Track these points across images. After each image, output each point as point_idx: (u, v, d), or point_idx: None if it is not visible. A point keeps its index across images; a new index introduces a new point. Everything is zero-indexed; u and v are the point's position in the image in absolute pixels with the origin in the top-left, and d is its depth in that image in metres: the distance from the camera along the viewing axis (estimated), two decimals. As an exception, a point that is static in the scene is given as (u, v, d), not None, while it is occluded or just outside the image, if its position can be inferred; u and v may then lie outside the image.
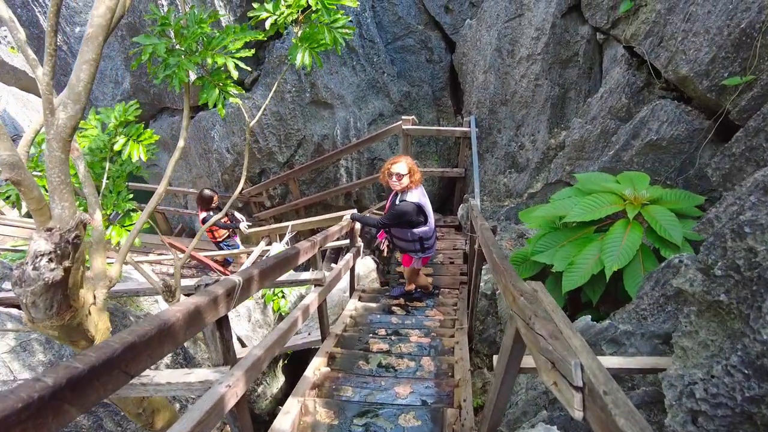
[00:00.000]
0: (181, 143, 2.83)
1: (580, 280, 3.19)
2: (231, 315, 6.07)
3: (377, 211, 7.99)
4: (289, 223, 7.24)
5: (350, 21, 7.43)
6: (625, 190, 3.38)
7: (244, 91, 3.64)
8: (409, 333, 4.54)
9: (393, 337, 4.36)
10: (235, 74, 2.79)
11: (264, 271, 2.16)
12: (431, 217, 4.78)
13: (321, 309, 3.97)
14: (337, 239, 7.17)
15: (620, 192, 3.37)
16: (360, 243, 6.97)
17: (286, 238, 7.22)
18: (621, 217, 3.31)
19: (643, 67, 5.34)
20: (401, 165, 4.39)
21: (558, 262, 3.40)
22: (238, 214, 7.31)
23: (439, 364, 3.76)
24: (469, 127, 6.79)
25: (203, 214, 6.96)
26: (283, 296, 5.94)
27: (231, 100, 2.93)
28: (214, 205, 6.92)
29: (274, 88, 3.93)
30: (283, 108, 7.82)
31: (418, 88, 8.35)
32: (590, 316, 2.85)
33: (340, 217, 6.29)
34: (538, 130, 6.66)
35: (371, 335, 4.42)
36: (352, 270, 5.89)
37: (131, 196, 3.05)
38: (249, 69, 3.26)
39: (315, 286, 3.73)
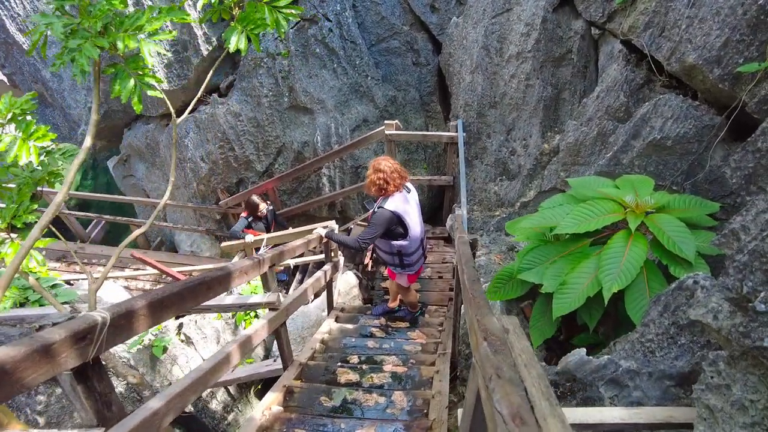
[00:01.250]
0: (87, 142, 2.33)
1: (574, 303, 2.68)
2: (197, 338, 5.56)
3: (362, 223, 7.50)
4: (264, 236, 6.75)
5: (329, 20, 7.03)
6: (625, 196, 2.88)
7: (162, 80, 3.10)
8: (385, 360, 4.02)
9: (365, 366, 3.84)
10: (150, 60, 2.30)
11: (157, 302, 1.66)
12: (415, 229, 4.14)
13: (280, 336, 3.46)
14: (303, 255, 6.73)
15: (620, 198, 2.87)
16: (339, 257, 6.48)
17: (261, 252, 6.72)
18: (621, 228, 2.81)
19: (642, 63, 4.88)
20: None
21: (548, 281, 2.90)
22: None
23: (413, 399, 3.24)
24: (456, 131, 6.32)
25: (243, 215, 7.02)
26: (256, 315, 5.44)
27: (150, 92, 2.44)
28: (260, 214, 6.88)
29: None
30: (260, 114, 7.36)
31: (404, 92, 7.90)
32: (584, 350, 2.34)
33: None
34: (530, 134, 6.19)
35: (340, 364, 3.90)
36: (329, 287, 5.39)
37: (35, 206, 2.55)
38: (166, 52, 2.77)
39: (269, 310, 3.23)
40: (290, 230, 6.71)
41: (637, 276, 2.59)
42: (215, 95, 7.48)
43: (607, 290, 2.56)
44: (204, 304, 2.28)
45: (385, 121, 6.25)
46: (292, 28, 6.88)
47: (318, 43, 6.95)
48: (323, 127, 7.27)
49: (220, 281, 2.20)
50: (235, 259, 7.10)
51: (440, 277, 6.71)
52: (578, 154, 5.39)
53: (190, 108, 3.19)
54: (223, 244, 7.26)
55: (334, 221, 5.95)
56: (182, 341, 5.22)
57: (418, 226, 4.23)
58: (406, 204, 4.05)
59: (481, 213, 6.58)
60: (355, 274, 6.49)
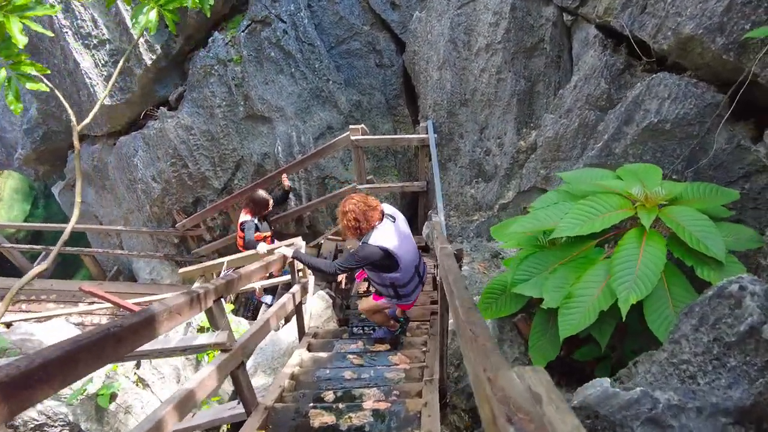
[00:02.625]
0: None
1: (584, 319, 2.24)
2: (153, 379, 4.92)
3: (333, 237, 6.98)
4: (224, 259, 6.17)
5: (283, 21, 6.54)
6: (631, 188, 2.46)
7: (48, 71, 2.52)
8: (365, 394, 3.50)
9: (342, 405, 3.31)
10: (20, 40, 1.76)
11: (19, 377, 1.12)
12: (406, 259, 3.74)
13: (237, 380, 2.91)
14: (272, 276, 6.14)
15: (626, 191, 2.45)
16: (308, 277, 5.95)
17: (223, 275, 6.14)
18: (632, 226, 2.39)
19: (620, 47, 4.56)
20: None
21: (549, 294, 2.45)
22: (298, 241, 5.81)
23: (400, 444, 2.74)
24: (427, 133, 5.89)
25: (245, 217, 5.89)
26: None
27: (29, 86, 1.89)
28: (266, 212, 5.97)
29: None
30: (214, 126, 6.79)
31: (369, 96, 7.45)
32: (608, 381, 1.89)
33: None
34: (504, 132, 5.81)
35: (313, 404, 3.36)
36: (299, 311, 4.85)
37: None
38: (49, 32, 2.24)
39: (221, 352, 2.68)
40: (253, 251, 6.14)
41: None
42: (164, 109, 6.88)
43: (623, 302, 2.13)
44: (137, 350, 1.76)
45: (350, 126, 5.78)
46: (243, 31, 6.37)
47: (272, 46, 6.45)
48: (284, 137, 6.75)
49: (138, 330, 1.66)
50: (196, 285, 6.49)
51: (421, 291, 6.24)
52: (558, 149, 5.02)
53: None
54: (181, 270, 6.65)
55: (300, 238, 5.42)
56: (136, 384, 4.61)
57: (411, 254, 3.83)
58: (394, 235, 3.64)
59: (458, 218, 6.16)
60: (327, 293, 5.96)
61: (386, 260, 3.62)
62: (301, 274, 5.91)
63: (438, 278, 5.98)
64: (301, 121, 6.80)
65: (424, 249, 6.88)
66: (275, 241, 6.22)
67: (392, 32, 7.21)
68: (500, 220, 5.97)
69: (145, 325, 1.71)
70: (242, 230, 5.92)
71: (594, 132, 4.19)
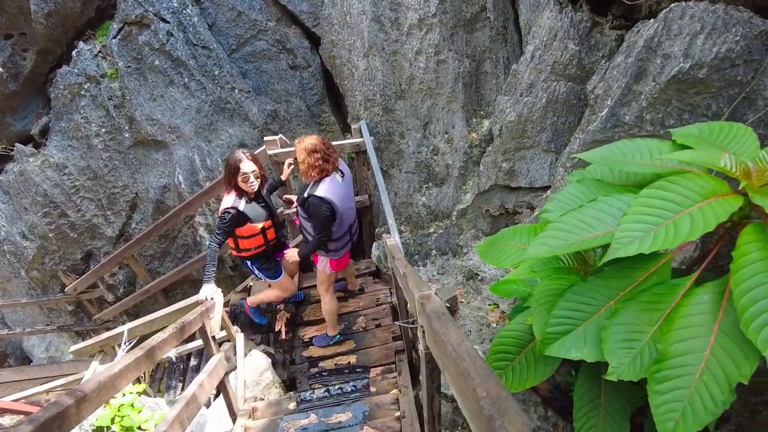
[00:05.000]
0: None
1: (708, 405, 1.22)
2: None
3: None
4: (124, 328, 4.77)
5: (165, 22, 5.29)
6: (717, 160, 1.49)
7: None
8: None
9: None
10: None
11: None
12: (346, 211, 3.69)
13: None
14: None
15: (715, 165, 1.48)
16: (237, 335, 4.71)
17: (121, 351, 4.79)
18: (743, 223, 1.42)
19: (578, 4, 3.75)
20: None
21: (617, 356, 1.43)
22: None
23: None
24: (361, 136, 4.84)
25: (227, 201, 3.66)
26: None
27: None
28: (250, 186, 3.57)
29: None
30: (95, 160, 5.40)
31: (286, 103, 6.32)
32: None
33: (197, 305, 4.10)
34: (452, 125, 4.86)
35: None
36: (224, 390, 3.62)
37: None
38: None
39: None
40: (161, 312, 4.78)
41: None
42: (21, 146, 5.39)
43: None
44: None
45: (266, 138, 4.62)
46: (114, 37, 5.05)
47: (156, 53, 5.18)
48: (184, 162, 5.45)
49: None
50: (93, 365, 5.05)
51: (378, 326, 5.13)
52: (524, 135, 4.12)
53: None
54: (72, 348, 5.16)
55: (212, 287, 4.13)
56: None
57: (350, 215, 3.88)
58: (340, 189, 3.56)
59: (412, 233, 5.13)
60: (264, 351, 4.72)
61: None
62: (223, 333, 4.65)
63: (395, 303, 4.94)
64: (204, 140, 5.54)
65: (375, 274, 5.80)
66: (280, 230, 4.17)
67: (303, 26, 6.13)
68: (461, 229, 5.00)
69: None
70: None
71: (569, 105, 3.30)
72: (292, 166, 4.14)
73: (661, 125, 2.44)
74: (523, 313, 1.98)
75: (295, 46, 6.14)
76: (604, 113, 2.70)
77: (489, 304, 3.12)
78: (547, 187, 4.34)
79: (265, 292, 4.78)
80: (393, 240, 3.45)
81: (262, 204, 3.81)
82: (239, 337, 4.72)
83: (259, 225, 3.77)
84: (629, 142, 1.76)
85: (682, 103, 2.39)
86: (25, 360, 7.89)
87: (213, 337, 3.61)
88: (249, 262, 4.10)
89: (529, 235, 2.05)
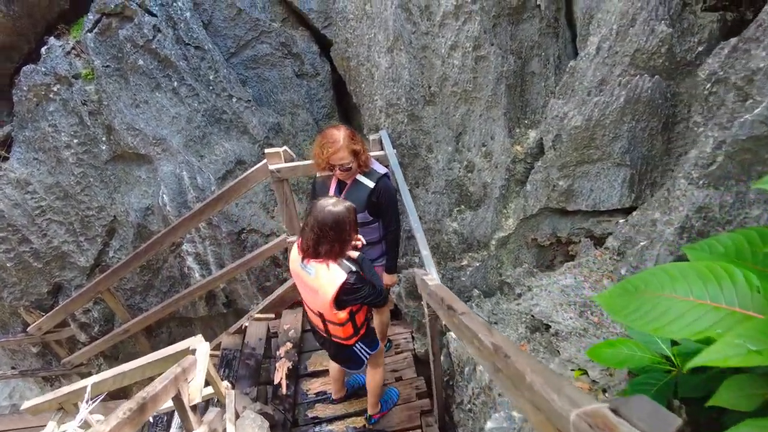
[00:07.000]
0: None
1: None
2: None
3: (262, 315, 4.81)
4: (88, 381, 3.84)
5: (152, 15, 4.52)
6: None
7: None
8: None
9: None
10: None
11: None
12: None
13: None
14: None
15: None
16: (229, 393, 3.79)
17: (84, 411, 3.85)
18: None
19: (661, -19, 2.97)
20: (341, 152, 2.71)
21: None
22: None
23: None
24: (381, 148, 4.00)
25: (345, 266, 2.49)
26: None
27: None
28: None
29: None
30: (65, 176, 4.56)
31: (291, 116, 5.54)
32: None
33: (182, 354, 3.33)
34: (491, 135, 4.04)
35: None
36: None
37: None
38: None
39: None
40: (136, 363, 3.86)
41: None
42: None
43: None
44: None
45: (267, 150, 3.79)
46: (90, 30, 4.28)
47: (139, 50, 4.40)
48: (171, 180, 4.61)
49: None
50: (50, 427, 4.10)
51: (398, 379, 4.22)
52: (590, 144, 3.29)
53: None
54: (26, 404, 4.22)
55: (200, 339, 3.24)
56: None
57: None
58: None
59: (440, 266, 4.25)
60: (260, 412, 3.78)
61: None
62: (210, 390, 3.74)
63: (416, 351, 4.03)
64: (195, 155, 4.71)
65: (392, 314, 4.89)
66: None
67: (312, 28, 5.39)
68: (500, 261, 4.13)
69: None
70: None
71: (653, 105, 2.48)
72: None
73: None
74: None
75: (302, 51, 5.38)
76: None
77: (572, 369, 2.24)
78: (618, 211, 3.49)
79: (378, 368, 3.37)
80: (434, 278, 2.57)
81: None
82: (230, 395, 3.79)
83: None
84: None
85: None
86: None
87: (193, 407, 2.71)
88: (360, 344, 2.81)
89: (719, 280, 1.19)
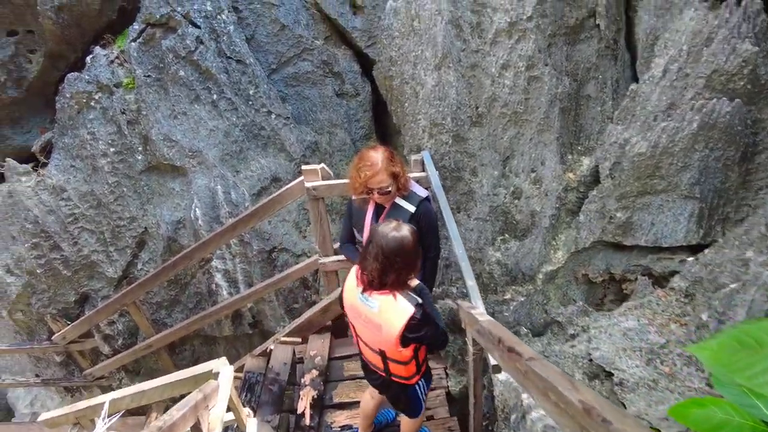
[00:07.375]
0: None
1: None
2: None
3: (288, 339, 4.60)
4: (107, 398, 3.68)
5: (196, 26, 4.49)
6: None
7: None
8: None
9: None
10: None
11: None
12: None
13: None
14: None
15: None
16: (247, 419, 3.57)
17: (101, 428, 3.68)
18: None
19: None
20: (380, 175, 2.51)
21: None
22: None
23: None
24: (422, 169, 3.80)
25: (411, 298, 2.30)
26: None
27: None
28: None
29: None
30: (99, 185, 4.51)
31: (329, 135, 5.42)
32: None
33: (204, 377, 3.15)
34: (541, 161, 3.79)
35: None
36: None
37: None
38: None
39: None
40: (156, 382, 3.69)
41: None
42: (13, 161, 4.55)
43: None
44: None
45: (304, 167, 3.63)
46: (134, 39, 4.27)
47: (181, 61, 4.36)
48: (204, 194, 4.50)
49: None
50: (63, 442, 3.96)
51: (430, 418, 3.91)
52: (655, 174, 3.01)
53: None
54: (42, 416, 4.09)
55: (224, 361, 3.05)
56: None
57: None
58: None
59: (480, 299, 3.96)
60: (279, 443, 3.54)
61: None
62: (230, 416, 3.52)
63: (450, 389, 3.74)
64: (230, 170, 4.61)
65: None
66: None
67: (354, 47, 5.30)
68: (547, 297, 3.82)
69: None
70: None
71: (731, 133, 2.20)
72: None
73: None
74: None
75: (343, 70, 5.29)
76: None
77: (641, 428, 1.91)
78: (682, 248, 3.17)
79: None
80: (482, 312, 2.31)
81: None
82: (251, 423, 3.56)
83: None
84: None
85: None
86: (9, 413, 6.85)
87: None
88: (422, 382, 2.59)
89: None
